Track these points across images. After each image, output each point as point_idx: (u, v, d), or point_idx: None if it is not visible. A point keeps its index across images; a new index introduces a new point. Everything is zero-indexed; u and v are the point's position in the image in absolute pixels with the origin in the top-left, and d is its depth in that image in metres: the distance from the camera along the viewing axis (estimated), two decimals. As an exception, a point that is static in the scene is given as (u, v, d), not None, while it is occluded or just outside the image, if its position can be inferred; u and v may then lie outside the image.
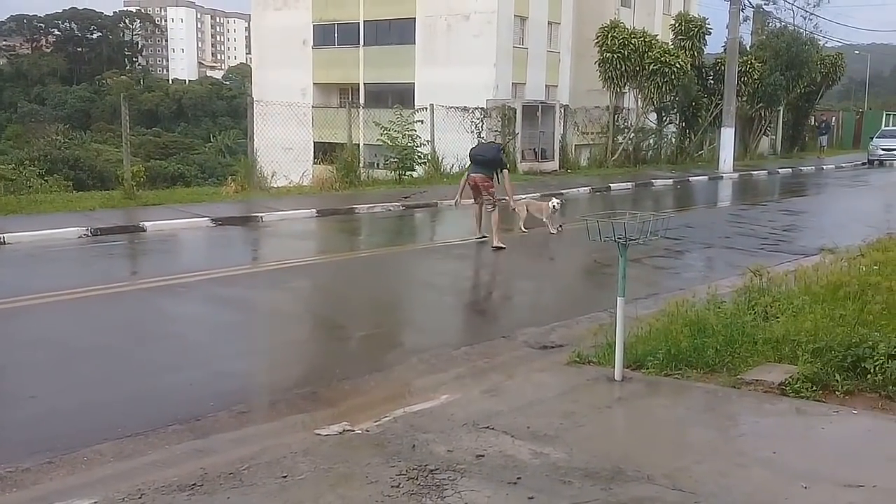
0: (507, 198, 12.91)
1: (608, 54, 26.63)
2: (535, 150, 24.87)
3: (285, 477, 4.15)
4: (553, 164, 25.31)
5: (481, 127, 23.59)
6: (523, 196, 13.79)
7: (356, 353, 6.99)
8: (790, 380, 5.38)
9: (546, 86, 36.27)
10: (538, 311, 8.62)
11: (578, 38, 36.27)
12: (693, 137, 31.66)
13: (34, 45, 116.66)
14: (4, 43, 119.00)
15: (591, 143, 28.91)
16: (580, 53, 35.19)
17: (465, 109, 23.23)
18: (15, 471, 4.30)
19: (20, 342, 7.00)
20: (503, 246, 11.76)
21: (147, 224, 12.78)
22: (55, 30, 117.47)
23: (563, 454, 4.38)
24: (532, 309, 8.87)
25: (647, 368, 5.82)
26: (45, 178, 33.64)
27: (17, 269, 10.14)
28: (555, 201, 13.43)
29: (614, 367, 5.66)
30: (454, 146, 21.55)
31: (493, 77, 32.94)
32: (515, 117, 24.08)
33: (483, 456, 4.38)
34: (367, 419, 5.00)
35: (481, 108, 24.04)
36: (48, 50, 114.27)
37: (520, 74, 34.99)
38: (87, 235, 11.98)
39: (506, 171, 12.58)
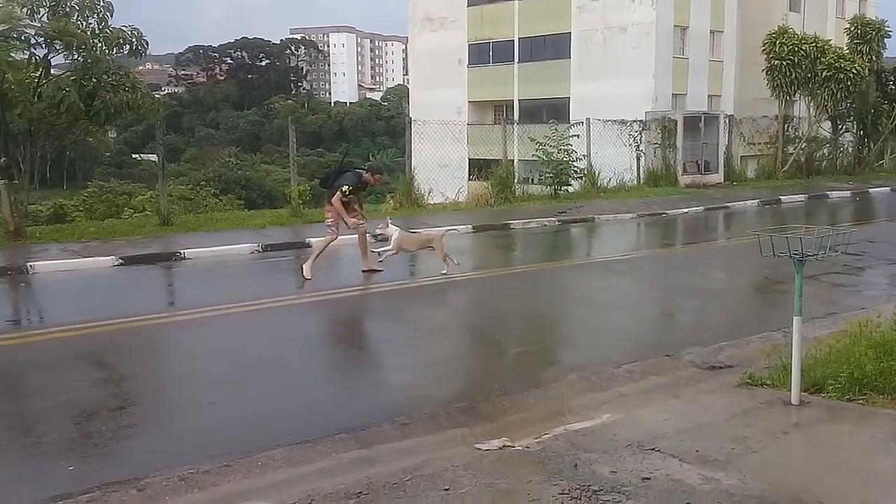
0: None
1: (776, 62, 25.34)
2: (697, 162, 24.01)
3: (447, 490, 4.16)
4: (717, 177, 24.35)
5: (640, 140, 23.06)
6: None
7: (514, 368, 6.95)
8: None
9: (708, 96, 35.06)
10: (704, 329, 8.27)
11: (743, 46, 34.88)
12: (872, 146, 29.49)
13: (209, 74, 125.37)
14: (183, 72, 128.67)
15: (759, 154, 27.55)
16: (745, 61, 33.81)
17: (622, 122, 22.79)
18: (196, 472, 4.55)
19: (199, 351, 7.47)
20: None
21: (312, 240, 13.31)
22: (228, 58, 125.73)
23: (736, 481, 4.15)
24: (698, 327, 8.53)
25: (827, 392, 5.42)
26: (220, 198, 36.12)
27: (196, 282, 10.85)
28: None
29: (790, 390, 5.31)
30: (611, 160, 21.19)
31: (652, 89, 32.19)
32: (676, 129, 23.36)
33: (649, 479, 4.22)
34: (526, 436, 4.94)
35: (640, 121, 23.50)
36: (222, 78, 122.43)
37: (680, 85, 34.00)
38: (258, 251, 12.65)
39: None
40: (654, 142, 23.25)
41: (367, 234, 11.01)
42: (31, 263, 11.02)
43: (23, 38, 12.62)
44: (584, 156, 20.79)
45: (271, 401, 5.96)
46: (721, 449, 4.60)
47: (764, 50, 25.88)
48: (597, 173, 21.11)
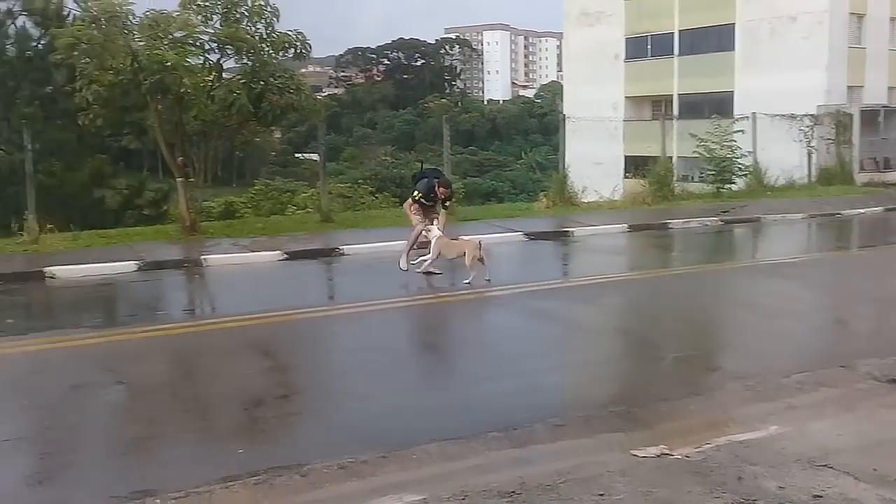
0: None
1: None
2: (875, 159, 22.38)
3: (602, 495, 4.06)
4: (898, 176, 22.65)
5: (811, 136, 21.73)
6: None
7: (672, 374, 6.70)
8: None
9: (888, 88, 32.56)
10: (884, 339, 7.64)
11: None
12: None
13: (367, 75, 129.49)
14: (342, 74, 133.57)
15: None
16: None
17: (791, 117, 21.56)
18: (355, 462, 4.68)
19: (357, 344, 7.71)
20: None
21: (466, 238, 13.40)
22: (385, 59, 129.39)
23: (921, 505, 3.81)
24: (876, 337, 7.91)
25: None
26: (376, 195, 37.22)
27: (354, 277, 11.22)
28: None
29: None
30: (779, 157, 20.10)
31: (825, 81, 30.23)
32: (852, 124, 21.86)
33: (821, 497, 3.96)
34: (686, 444, 4.75)
35: (811, 116, 22.18)
36: (379, 78, 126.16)
37: (856, 77, 31.76)
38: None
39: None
40: (826, 137, 21.89)
41: (426, 240, 10.70)
42: (205, 257, 11.76)
43: (198, 43, 13.43)
44: (749, 152, 19.86)
45: (425, 395, 6.06)
46: (903, 469, 4.24)
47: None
48: (763, 171, 20.12)
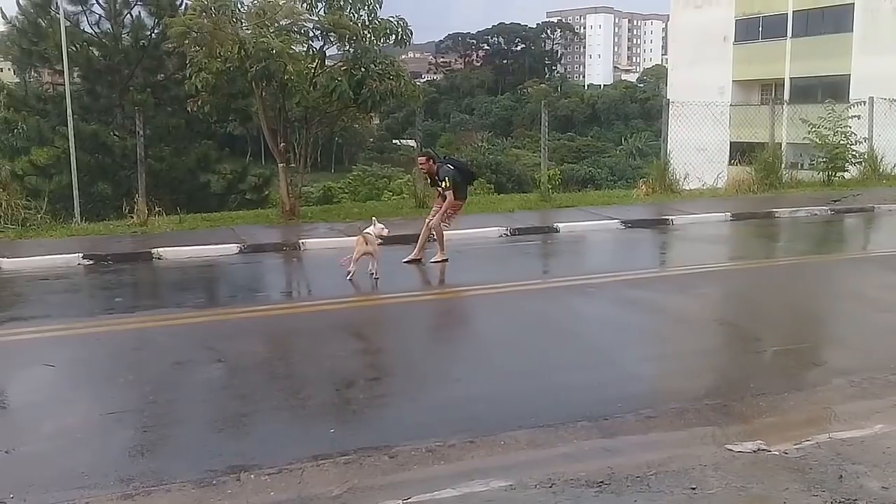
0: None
1: None
2: None
3: (694, 489, 3.97)
4: None
5: (933, 121, 20.45)
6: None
7: (772, 367, 6.46)
8: None
9: None
10: None
11: None
12: None
13: (466, 60, 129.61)
14: (442, 59, 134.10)
15: None
16: None
17: (912, 102, 20.35)
18: (443, 445, 4.71)
19: (447, 329, 7.78)
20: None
21: (560, 225, 13.30)
22: (485, 45, 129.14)
23: None
24: None
25: None
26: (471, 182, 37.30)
27: (447, 264, 11.24)
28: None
29: None
30: (898, 144, 19.05)
31: (950, 63, 28.43)
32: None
33: (927, 500, 3.74)
34: (784, 440, 4.59)
35: (935, 100, 20.84)
36: (478, 64, 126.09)
37: None
38: (507, 235, 12.85)
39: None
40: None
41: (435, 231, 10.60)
42: (303, 241, 12.04)
43: (302, 31, 13.71)
44: (864, 139, 18.83)
45: (515, 381, 6.03)
46: None
47: None
48: (879, 158, 19.07)
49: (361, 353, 6.94)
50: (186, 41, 13.47)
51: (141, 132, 14.15)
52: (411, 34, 14.15)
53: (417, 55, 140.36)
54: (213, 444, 4.89)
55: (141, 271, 10.77)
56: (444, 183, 10.53)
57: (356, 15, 13.60)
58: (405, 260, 10.67)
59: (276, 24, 13.35)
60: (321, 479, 4.34)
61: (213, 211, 17.20)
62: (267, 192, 25.22)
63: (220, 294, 10.08)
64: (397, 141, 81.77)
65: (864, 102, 19.24)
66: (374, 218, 10.32)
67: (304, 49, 13.91)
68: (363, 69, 13.37)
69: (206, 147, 24.94)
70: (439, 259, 10.70)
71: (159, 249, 11.25)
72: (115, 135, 23.16)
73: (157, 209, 13.48)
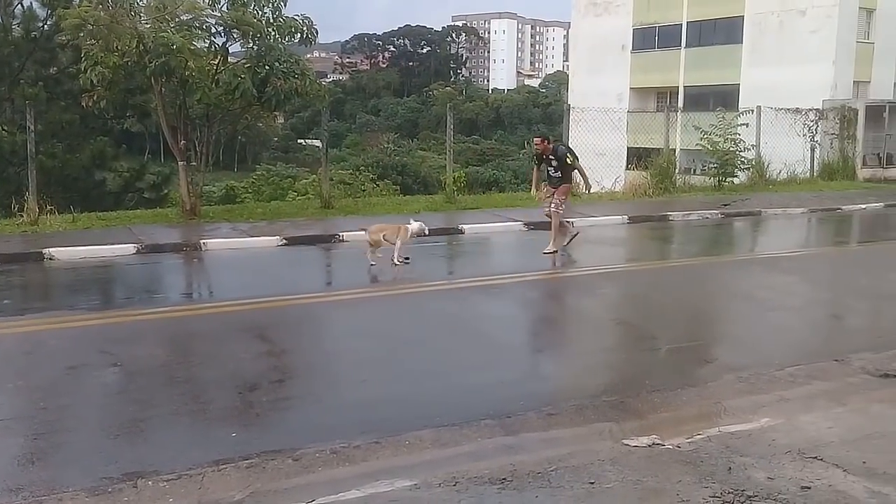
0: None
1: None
2: (879, 155, 22.33)
3: (592, 484, 4.09)
4: (900, 171, 22.57)
5: (815, 130, 21.68)
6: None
7: (666, 365, 6.72)
8: None
9: (895, 84, 32.41)
10: (878, 334, 7.67)
11: (939, 29, 31.92)
12: None
13: (372, 61, 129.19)
14: (347, 60, 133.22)
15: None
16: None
17: (796, 111, 21.50)
18: (348, 447, 4.70)
19: (353, 330, 7.74)
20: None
21: (465, 227, 13.45)
22: (391, 46, 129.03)
23: (908, 498, 3.84)
24: (871, 331, 7.92)
25: None
26: (377, 183, 37.15)
27: (353, 264, 11.19)
28: (417, 222, 10.78)
29: (978, 405, 4.84)
30: (783, 151, 20.06)
31: (831, 76, 30.10)
32: (856, 119, 21.78)
33: (809, 488, 4.00)
34: (677, 435, 4.79)
35: (816, 110, 22.11)
36: (384, 65, 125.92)
37: (863, 72, 31.61)
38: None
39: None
40: (831, 132, 21.83)
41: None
42: (204, 241, 11.77)
43: (204, 27, 13.40)
44: (752, 146, 19.81)
45: (421, 381, 6.08)
46: (892, 462, 4.28)
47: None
48: (766, 164, 20.07)
49: (265, 355, 6.83)
50: (81, 34, 12.97)
51: (32, 127, 13.54)
52: (317, 33, 14.03)
53: (323, 55, 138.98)
54: (109, 451, 4.73)
55: (31, 272, 10.31)
56: (567, 157, 11.37)
57: (260, 12, 13.40)
58: (547, 251, 11.16)
59: (177, 19, 13.03)
60: (222, 484, 4.26)
61: (108, 210, 16.55)
62: (166, 191, 24.47)
63: (117, 296, 9.75)
64: (303, 141, 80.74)
65: (752, 111, 20.20)
66: (411, 220, 10.90)
67: (207, 45, 13.60)
68: (267, 67, 13.18)
69: (102, 144, 23.98)
70: (552, 249, 11.22)
71: (51, 249, 10.79)
72: (3, 130, 22.01)
73: (48, 208, 12.94)
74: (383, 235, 10.29)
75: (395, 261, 10.22)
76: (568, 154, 11.53)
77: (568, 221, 12.10)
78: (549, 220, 11.53)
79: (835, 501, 3.84)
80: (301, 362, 6.79)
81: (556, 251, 11.31)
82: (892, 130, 22.56)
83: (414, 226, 10.55)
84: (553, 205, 11.44)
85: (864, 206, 16.99)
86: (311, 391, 5.93)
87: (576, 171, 11.77)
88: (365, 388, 5.95)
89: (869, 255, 12.35)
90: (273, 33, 13.49)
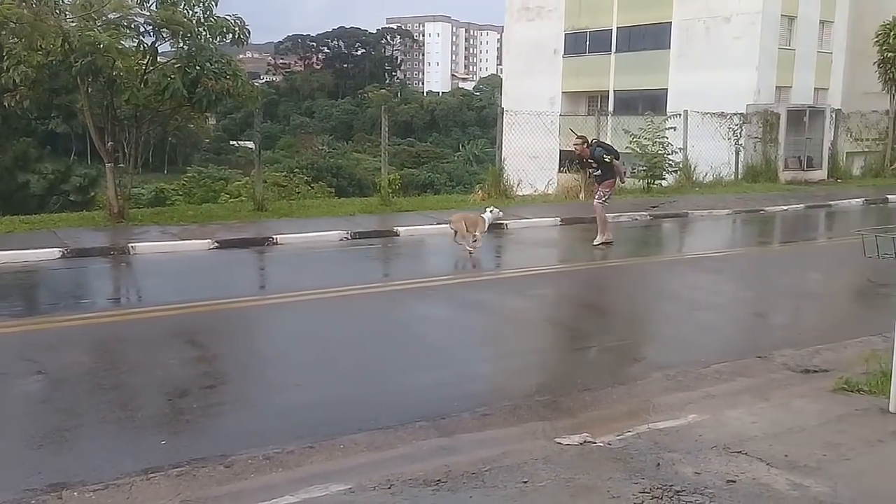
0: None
1: (890, 54, 24.10)
2: (799, 158, 23.10)
3: (526, 483, 4.14)
4: (820, 174, 23.37)
5: (739, 134, 22.33)
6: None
7: (598, 364, 6.86)
8: None
9: (815, 89, 33.75)
10: (799, 331, 7.96)
11: (856, 37, 33.29)
12: None
13: (306, 63, 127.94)
14: (281, 61, 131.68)
15: (867, 150, 26.29)
16: (857, 53, 32.26)
17: (721, 115, 22.10)
18: (281, 452, 4.66)
19: (288, 334, 7.67)
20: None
21: (400, 229, 13.46)
22: (325, 48, 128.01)
23: (826, 488, 4.00)
24: (792, 329, 8.23)
25: (930, 402, 5.15)
26: (312, 185, 36.85)
27: (287, 267, 11.12)
28: (492, 212, 12.18)
29: (889, 397, 5.08)
30: (709, 154, 20.60)
31: (755, 81, 31.16)
32: (778, 123, 22.51)
33: (734, 482, 4.11)
34: (608, 432, 4.88)
35: (740, 114, 22.75)
36: (318, 67, 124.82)
37: (785, 77, 32.79)
38: (348, 238, 12.84)
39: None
40: (754, 136, 22.49)
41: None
42: (133, 244, 11.49)
43: (132, 26, 13.07)
44: (679, 149, 20.27)
45: (356, 384, 6.07)
46: (811, 455, 4.43)
47: (877, 41, 24.63)
48: (693, 167, 20.58)
49: (196, 360, 6.72)
50: (3, 32, 12.51)
51: (-52, 128, 13.02)
52: (249, 33, 13.83)
53: (256, 55, 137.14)
54: (32, 462, 4.59)
55: (-53, 278, 9.91)
56: (605, 157, 12.32)
57: (190, 11, 13.13)
58: (596, 243, 12.20)
59: (104, 18, 12.69)
60: (152, 492, 4.17)
61: (32, 213, 16.03)
62: (93, 194, 23.86)
63: (40, 301, 9.44)
64: (235, 142, 79.54)
65: (680, 115, 20.69)
66: (487, 210, 12.16)
67: (135, 44, 13.27)
68: (198, 67, 12.94)
69: (25, 145, 23.31)
70: (602, 241, 12.19)
71: (-30, 255, 10.39)
72: (-80, 131, 21.17)
73: (-33, 211, 12.44)
74: (465, 223, 11.35)
75: (470, 247, 11.23)
76: (605, 154, 12.43)
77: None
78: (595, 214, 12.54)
79: (758, 494, 3.96)
80: (233, 367, 6.69)
81: (610, 242, 12.28)
82: (811, 134, 23.37)
83: (489, 214, 11.86)
84: (596, 198, 12.52)
85: (785, 208, 17.58)
86: (244, 396, 5.85)
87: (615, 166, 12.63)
88: (299, 392, 5.91)
89: (790, 254, 12.79)
90: (204, 33, 13.24)
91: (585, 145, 12.62)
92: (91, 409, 5.48)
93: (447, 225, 11.84)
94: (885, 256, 4.87)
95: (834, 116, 24.76)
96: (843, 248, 11.92)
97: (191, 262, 11.12)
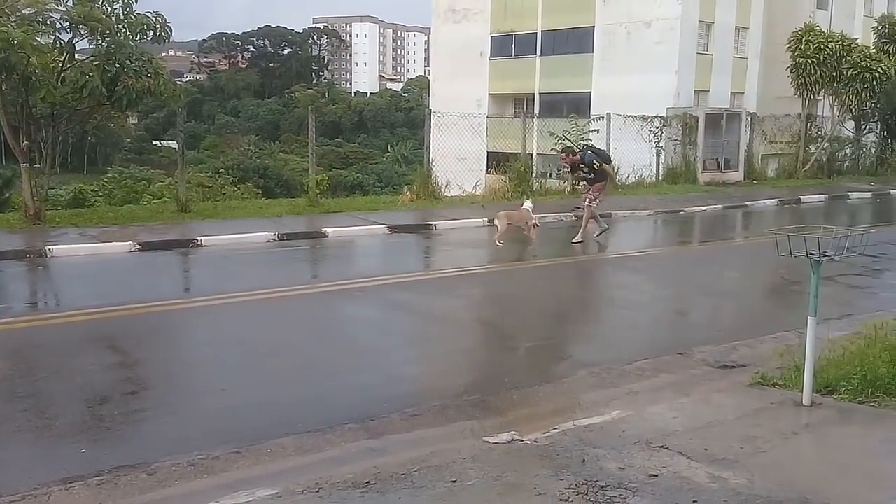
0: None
1: (801, 59, 25.07)
2: (717, 160, 23.82)
3: (454, 482, 4.17)
4: (737, 175, 24.15)
5: (660, 136, 22.91)
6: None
7: (525, 362, 6.95)
8: None
9: (731, 93, 34.83)
10: (718, 328, 8.23)
11: (769, 43, 34.51)
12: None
13: (231, 62, 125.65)
14: (205, 60, 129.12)
15: (780, 153, 27.29)
16: (771, 59, 33.45)
17: (643, 118, 22.64)
18: (206, 458, 4.59)
19: (213, 338, 7.54)
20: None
21: (328, 230, 13.37)
22: (250, 46, 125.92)
23: (744, 480, 4.14)
24: (711, 326, 8.50)
25: (840, 394, 5.40)
26: (238, 186, 36.27)
27: (212, 269, 10.92)
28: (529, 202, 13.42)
29: (802, 391, 5.30)
30: (631, 156, 21.06)
31: (675, 85, 31.99)
32: (697, 126, 23.18)
33: (656, 476, 4.22)
34: (535, 430, 4.95)
35: (661, 117, 23.34)
36: (243, 66, 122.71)
37: (703, 82, 33.76)
38: (275, 240, 12.70)
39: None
40: (674, 138, 23.10)
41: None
42: (50, 247, 11.12)
43: (48, 22, 12.66)
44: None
45: (283, 388, 6.00)
46: (730, 448, 4.58)
47: (789, 47, 25.60)
48: (616, 169, 20.97)
49: (117, 366, 6.54)
50: None
51: None
52: (171, 31, 13.54)
53: (179, 53, 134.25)
54: (-57, 475, 4.40)
55: None
56: (595, 163, 13.11)
57: (109, 8, 12.80)
58: (574, 241, 12.90)
59: (18, 13, 12.28)
60: (71, 502, 4.06)
61: (-59, 215, 15.35)
62: (8, 195, 23.00)
63: (-50, 308, 9.05)
64: (158, 142, 77.72)
65: (603, 118, 21.11)
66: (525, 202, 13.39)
67: (52, 41, 12.85)
68: (117, 65, 12.60)
69: (-68, 144, 22.24)
70: (578, 240, 12.90)
71: None
72: None
73: None
74: (511, 219, 12.59)
75: (532, 235, 12.74)
76: (595, 159, 13.19)
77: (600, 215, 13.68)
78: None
79: (679, 488, 4.07)
80: (156, 372, 6.54)
81: (583, 241, 12.95)
82: (729, 137, 24.12)
83: (529, 204, 13.16)
84: (587, 199, 13.21)
85: (704, 208, 18.12)
86: (167, 402, 5.73)
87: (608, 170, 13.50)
88: (225, 396, 5.81)
89: (709, 253, 13.20)
90: (124, 30, 12.91)
91: (573, 154, 13.57)
92: (6, 417, 5.28)
93: (493, 221, 13.01)
94: (796, 255, 5.07)
95: (749, 120, 25.63)
96: (758, 247, 12.36)
97: (111, 265, 10.81)
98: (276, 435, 4.93)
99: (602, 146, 20.33)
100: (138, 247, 11.58)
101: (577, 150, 14.03)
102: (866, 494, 3.99)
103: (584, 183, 13.88)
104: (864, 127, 28.43)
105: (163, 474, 4.38)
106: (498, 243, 12.26)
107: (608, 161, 13.92)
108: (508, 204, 17.08)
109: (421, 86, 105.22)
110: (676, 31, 32.56)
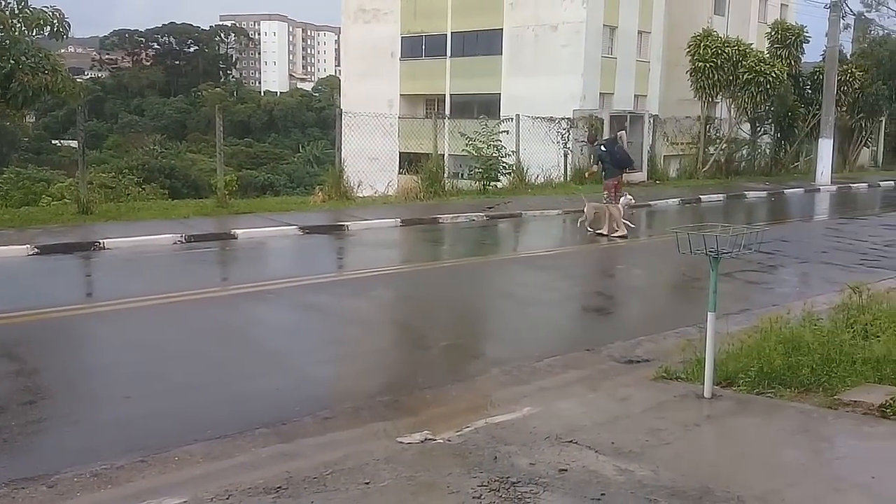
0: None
1: (700, 63, 26.03)
2: (622, 160, 24.45)
3: (368, 484, 4.17)
4: (641, 175, 24.86)
5: (567, 137, 23.39)
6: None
7: (438, 362, 6.99)
8: (891, 402, 5.11)
9: (635, 96, 35.78)
10: (623, 324, 8.46)
11: (670, 47, 35.65)
12: (789, 148, 30.63)
13: (135, 59, 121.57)
14: (107, 57, 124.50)
15: (682, 153, 28.28)
16: (671, 62, 34.59)
17: (551, 120, 23.07)
18: (110, 468, 4.45)
19: (116, 344, 7.30)
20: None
21: (238, 232, 13.13)
22: (154, 44, 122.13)
23: (649, 472, 4.28)
24: (617, 322, 8.73)
25: (738, 386, 5.64)
26: (143, 187, 35.08)
27: (116, 273, 10.59)
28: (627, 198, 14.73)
29: (703, 383, 5.50)
30: (540, 157, 21.44)
31: (581, 87, 32.67)
32: (602, 127, 23.77)
33: (566, 470, 4.31)
34: (448, 429, 4.99)
35: (568, 119, 23.84)
36: (148, 63, 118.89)
37: (608, 84, 34.61)
38: (182, 242, 12.39)
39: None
40: (581, 140, 23.61)
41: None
42: (-61, 252, 10.57)
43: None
44: (513, 152, 20.97)
45: (190, 394, 5.87)
46: (636, 441, 4.72)
47: (688, 52, 26.53)
48: (525, 169, 21.33)
49: (14, 374, 6.26)
50: None
51: None
52: (69, 26, 13.05)
53: (80, 50, 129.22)
54: None
55: None
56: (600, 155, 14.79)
57: (3, 2, 12.25)
58: (615, 235, 13.95)
59: None
60: (-35, 519, 3.89)
61: None
62: None
63: None
64: (57, 141, 74.53)
65: (512, 119, 21.42)
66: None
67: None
68: (12, 61, 12.09)
69: None
70: (619, 234, 13.97)
71: None
72: None
73: None
74: (594, 211, 14.35)
75: (627, 222, 14.27)
76: (598, 153, 15.07)
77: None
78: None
79: (588, 481, 4.17)
80: (56, 381, 6.28)
81: (625, 234, 13.98)
82: (632, 138, 24.79)
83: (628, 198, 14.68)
84: (604, 199, 14.45)
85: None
86: (68, 411, 5.53)
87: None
88: (130, 405, 5.65)
89: (615, 252, 13.50)
90: (18, 25, 12.40)
91: (592, 141, 16.18)
92: None
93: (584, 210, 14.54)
94: (696, 252, 5.26)
95: (652, 122, 26.45)
96: (661, 245, 12.77)
97: (7, 270, 10.34)
98: (184, 442, 4.84)
99: (512, 147, 20.70)
100: (36, 250, 11.12)
101: (596, 138, 15.83)
102: (765, 482, 4.17)
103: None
104: (759, 129, 29.79)
105: (64, 486, 4.24)
106: (589, 229, 14.33)
107: (607, 161, 14.87)
108: (420, 206, 17.20)
109: (332, 85, 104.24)
110: (582, 34, 33.26)
